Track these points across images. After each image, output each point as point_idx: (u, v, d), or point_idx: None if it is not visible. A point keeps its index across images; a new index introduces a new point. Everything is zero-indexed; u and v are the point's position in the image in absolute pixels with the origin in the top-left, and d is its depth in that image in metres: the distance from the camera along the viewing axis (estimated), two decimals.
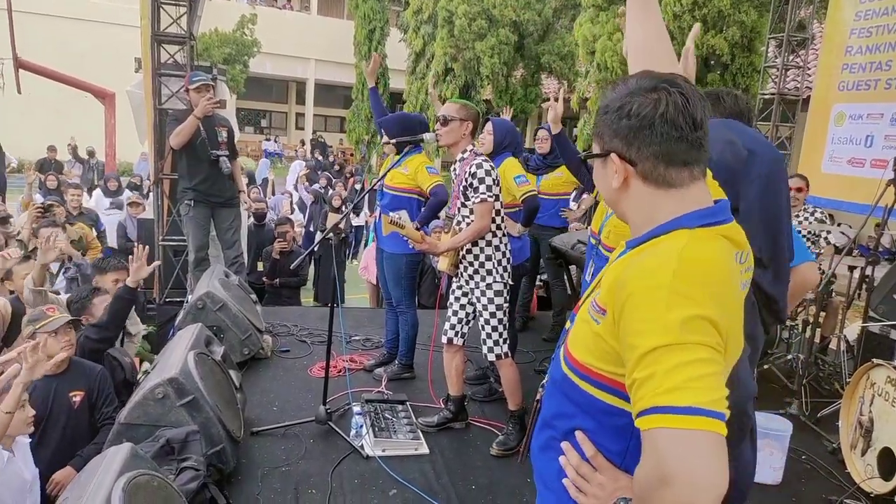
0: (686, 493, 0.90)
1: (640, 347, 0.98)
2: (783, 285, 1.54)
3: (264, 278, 6.48)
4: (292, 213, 9.63)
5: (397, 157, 3.91)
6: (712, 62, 11.48)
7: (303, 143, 24.11)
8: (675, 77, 1.14)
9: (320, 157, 18.60)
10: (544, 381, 1.36)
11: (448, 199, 3.78)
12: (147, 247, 3.71)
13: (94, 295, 3.70)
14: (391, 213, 3.23)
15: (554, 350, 1.38)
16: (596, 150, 1.21)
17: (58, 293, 4.13)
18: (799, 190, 5.00)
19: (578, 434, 1.18)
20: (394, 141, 3.89)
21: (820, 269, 4.63)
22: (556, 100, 3.54)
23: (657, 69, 1.31)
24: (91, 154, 14.24)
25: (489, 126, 3.99)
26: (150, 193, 7.62)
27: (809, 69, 8.80)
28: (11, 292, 4.07)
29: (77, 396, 2.96)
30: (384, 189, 4.07)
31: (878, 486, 3.08)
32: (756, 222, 1.45)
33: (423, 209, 3.95)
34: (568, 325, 1.35)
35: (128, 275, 3.79)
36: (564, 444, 1.21)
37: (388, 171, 3.90)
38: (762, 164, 1.43)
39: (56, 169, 11.41)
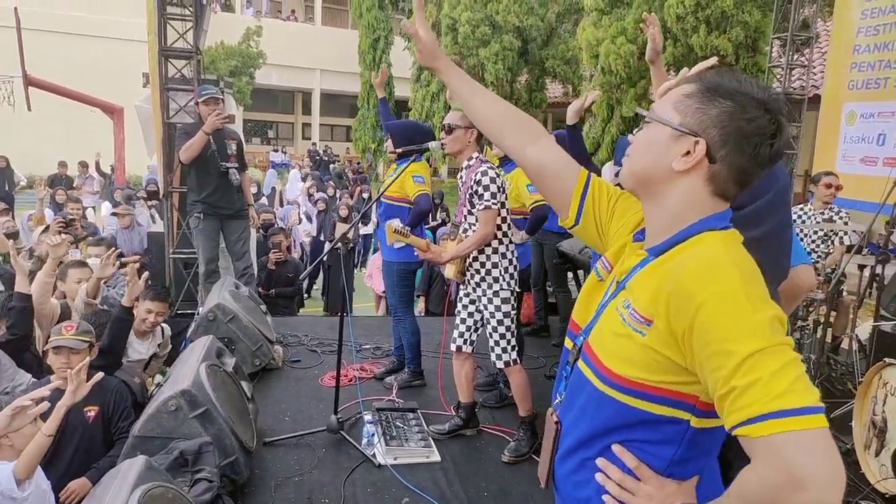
0: (826, 490, 0.89)
1: (736, 353, 0.96)
2: (776, 292, 1.57)
3: (259, 288, 6.50)
4: (300, 223, 9.69)
5: (395, 167, 3.96)
6: (717, 63, 11.47)
7: (309, 153, 24.26)
8: (785, 113, 1.13)
9: (318, 171, 18.61)
10: (554, 405, 1.32)
11: (430, 207, 3.82)
12: (139, 259, 3.70)
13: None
14: (392, 222, 3.26)
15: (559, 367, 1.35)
16: (672, 119, 1.13)
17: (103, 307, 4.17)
18: (838, 188, 5.09)
19: (616, 447, 1.16)
20: (399, 150, 3.92)
21: (830, 268, 4.62)
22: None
23: (525, 126, 1.41)
24: (114, 169, 14.35)
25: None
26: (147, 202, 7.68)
27: (814, 68, 8.78)
28: (63, 295, 4.16)
29: (92, 412, 2.99)
30: (382, 198, 4.10)
31: (893, 487, 3.06)
32: (773, 237, 1.49)
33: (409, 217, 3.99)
34: (569, 343, 1.32)
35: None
36: (600, 461, 1.18)
37: (392, 181, 3.92)
38: (780, 177, 1.46)
39: (66, 185, 11.53)
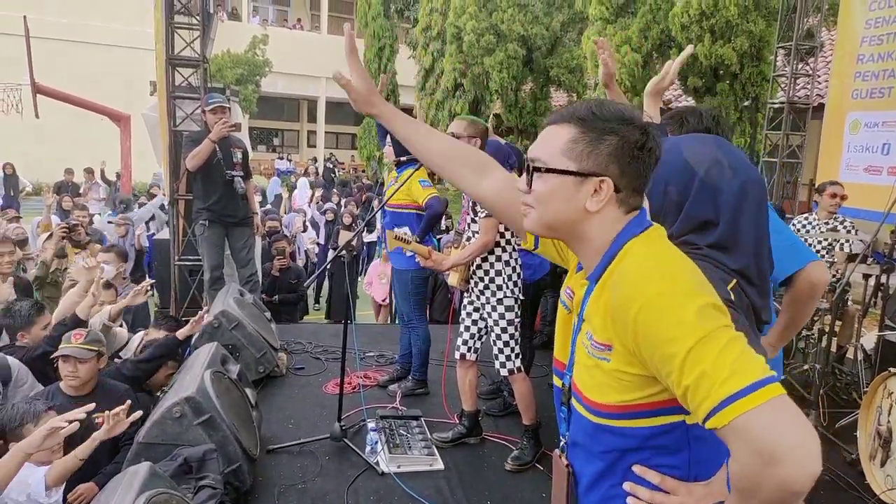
0: (794, 456, 0.90)
1: (677, 354, 0.99)
2: (766, 299, 1.59)
3: (263, 295, 6.51)
4: (305, 230, 9.72)
5: (395, 175, 3.97)
6: (721, 72, 11.50)
7: (315, 160, 24.33)
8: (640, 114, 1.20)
9: (323, 179, 18.66)
10: (561, 446, 1.34)
11: (444, 209, 3.82)
12: (207, 311, 3.78)
13: (38, 313, 3.58)
14: (396, 229, 3.27)
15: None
16: (569, 166, 1.16)
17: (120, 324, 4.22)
18: (843, 198, 5.11)
19: (637, 468, 1.17)
20: (404, 158, 3.95)
21: (833, 276, 4.60)
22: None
23: (471, 160, 1.45)
24: (119, 177, 14.43)
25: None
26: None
27: (819, 77, 8.79)
28: None
29: (100, 418, 3.00)
30: (386, 207, 4.10)
31: None
32: (743, 243, 1.48)
33: (421, 223, 4.00)
34: (558, 381, 1.33)
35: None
36: (627, 485, 1.18)
37: (395, 190, 3.93)
38: (745, 182, 1.47)
39: (73, 191, 11.60)
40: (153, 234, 8.13)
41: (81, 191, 12.90)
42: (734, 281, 1.46)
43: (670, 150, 1.49)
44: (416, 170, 3.81)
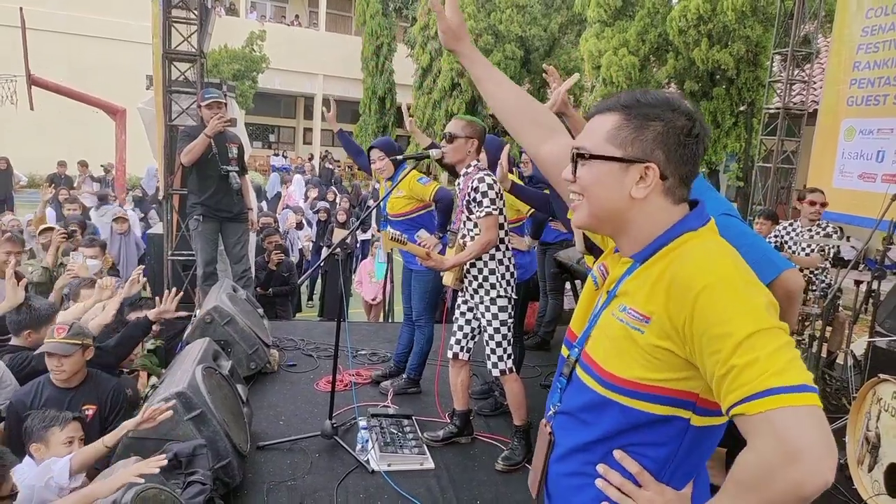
0: (817, 463, 0.92)
1: (735, 334, 0.99)
2: None
3: (258, 288, 6.52)
4: (300, 229, 9.70)
5: (390, 185, 3.96)
6: (717, 77, 11.54)
7: (311, 157, 24.27)
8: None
9: (320, 177, 18.60)
10: (548, 416, 1.32)
11: (452, 197, 3.81)
12: (179, 291, 3.76)
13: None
14: (390, 230, 3.26)
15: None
16: (615, 153, 1.15)
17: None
18: (823, 205, 5.16)
19: (617, 453, 1.17)
20: (400, 157, 3.95)
21: (824, 281, 4.64)
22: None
23: (538, 119, 1.45)
24: (107, 170, 14.37)
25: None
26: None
27: (815, 83, 8.83)
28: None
29: (90, 410, 3.00)
30: (390, 218, 4.06)
31: (886, 503, 3.06)
32: None
33: (437, 219, 3.99)
34: (565, 351, 1.32)
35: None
36: (601, 467, 1.19)
37: (388, 195, 3.92)
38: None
39: (67, 184, 11.55)
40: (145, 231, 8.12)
41: (75, 184, 12.85)
42: None
43: None
44: (409, 171, 3.81)
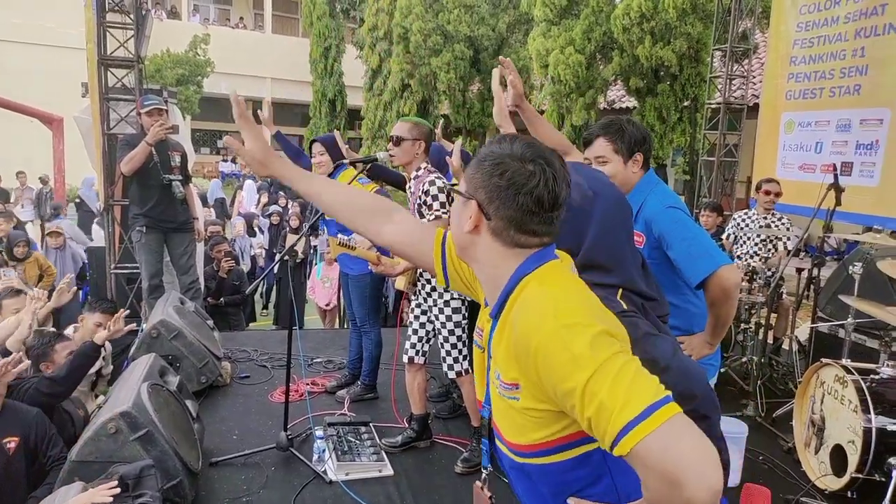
0: (699, 478, 0.92)
1: (576, 389, 1.01)
2: (657, 292, 1.64)
3: (209, 298, 6.35)
4: (255, 235, 9.51)
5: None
6: (661, 73, 11.79)
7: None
8: (554, 156, 1.20)
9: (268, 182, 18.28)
10: (483, 478, 1.38)
11: (391, 198, 3.77)
12: (127, 311, 3.63)
13: (56, 341, 3.51)
14: (340, 236, 3.21)
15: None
16: (462, 187, 1.24)
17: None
18: (777, 195, 5.34)
19: (571, 500, 1.20)
20: (347, 161, 3.90)
21: (771, 271, 4.78)
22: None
23: (373, 206, 1.50)
24: (44, 182, 13.81)
25: None
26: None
27: (754, 78, 9.11)
28: None
29: (12, 442, 2.80)
30: (327, 217, 4.01)
31: (832, 483, 3.17)
32: (621, 258, 1.54)
33: None
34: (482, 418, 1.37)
35: (110, 318, 3.71)
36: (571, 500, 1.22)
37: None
38: (606, 203, 1.52)
39: (2, 197, 11.08)
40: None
41: (13, 198, 12.33)
42: (619, 290, 1.50)
43: None
44: (347, 170, 3.76)
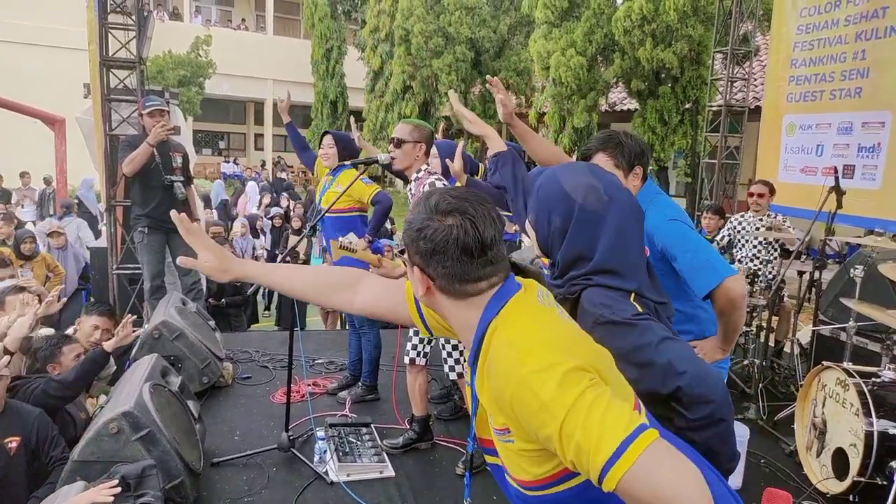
0: (685, 499, 0.94)
1: (552, 435, 1.04)
2: (664, 296, 1.65)
3: (210, 300, 6.35)
4: (256, 237, 9.51)
5: (330, 178, 3.91)
6: (663, 75, 11.79)
7: (263, 164, 23.88)
8: (468, 201, 1.20)
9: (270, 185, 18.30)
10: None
11: (391, 203, 3.77)
12: (133, 316, 3.64)
13: (64, 343, 3.53)
14: (340, 238, 3.20)
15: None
16: (406, 254, 1.27)
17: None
18: (760, 196, 5.34)
19: None
20: (349, 162, 3.89)
21: (771, 272, 4.78)
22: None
23: (338, 282, 1.54)
24: (48, 182, 13.82)
25: (434, 150, 3.89)
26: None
27: (756, 80, 9.11)
28: None
29: (13, 442, 2.81)
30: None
31: (833, 486, 3.16)
32: (633, 263, 1.55)
33: (370, 221, 3.95)
34: (488, 458, 1.38)
35: (109, 322, 3.71)
36: None
37: (342, 193, 3.86)
38: (621, 209, 1.53)
39: (4, 198, 11.09)
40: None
41: (15, 199, 12.35)
42: (632, 294, 1.51)
43: (549, 180, 1.55)
44: (348, 170, 3.77)
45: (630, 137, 2.28)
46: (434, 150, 3.67)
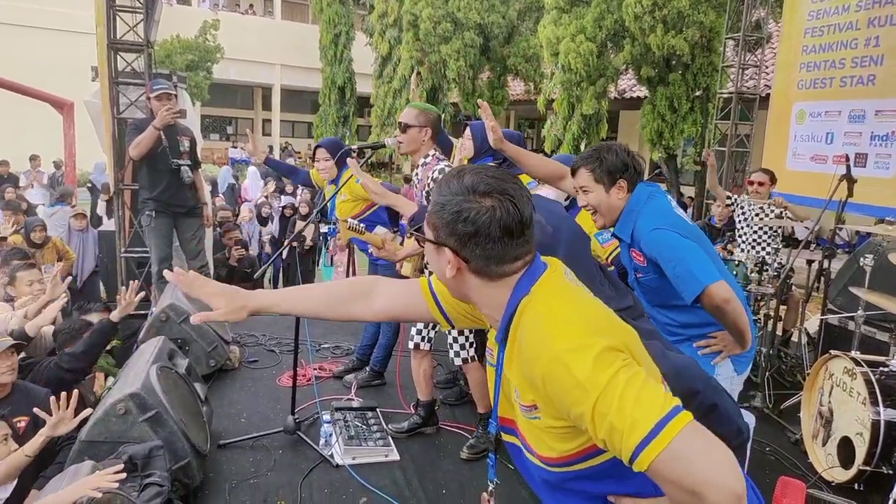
0: (719, 486, 0.93)
1: (584, 414, 1.03)
2: (628, 300, 1.73)
3: None
4: (264, 225, 9.50)
5: (334, 189, 3.91)
6: (673, 62, 11.67)
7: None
8: (504, 181, 1.19)
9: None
10: (490, 490, 1.42)
11: (396, 189, 3.78)
12: (137, 282, 3.65)
13: (84, 329, 3.59)
14: (350, 220, 3.20)
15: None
16: (429, 235, 1.24)
17: None
18: (761, 184, 5.25)
19: (611, 498, 1.22)
20: (355, 147, 3.90)
21: (778, 262, 4.75)
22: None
23: (351, 294, 1.53)
24: (58, 166, 13.87)
25: (468, 132, 3.58)
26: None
27: (767, 68, 9.01)
28: (11, 298, 4.07)
29: (22, 422, 2.87)
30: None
31: (839, 475, 3.16)
32: (591, 282, 1.61)
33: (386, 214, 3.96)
34: (505, 436, 1.37)
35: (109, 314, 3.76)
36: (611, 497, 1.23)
37: (333, 197, 3.87)
38: (568, 235, 1.58)
39: (12, 182, 11.14)
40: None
41: (22, 183, 12.38)
42: None
43: None
44: (346, 171, 3.77)
45: (613, 153, 2.33)
46: (468, 132, 3.46)
